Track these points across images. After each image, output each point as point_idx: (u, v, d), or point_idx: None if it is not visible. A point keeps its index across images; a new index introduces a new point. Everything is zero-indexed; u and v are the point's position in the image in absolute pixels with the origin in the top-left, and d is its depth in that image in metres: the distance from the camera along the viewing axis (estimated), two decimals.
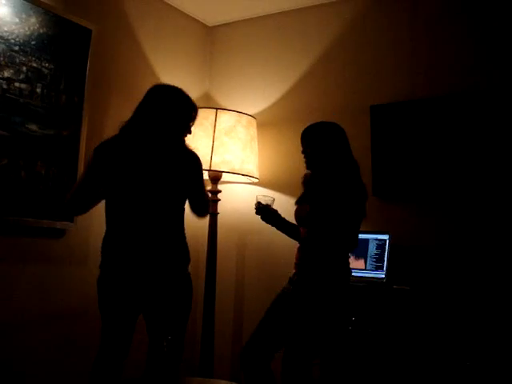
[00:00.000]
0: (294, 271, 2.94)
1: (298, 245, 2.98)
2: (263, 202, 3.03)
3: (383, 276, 3.32)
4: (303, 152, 2.96)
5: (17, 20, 3.07)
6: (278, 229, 3.09)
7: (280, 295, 2.97)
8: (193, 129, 3.68)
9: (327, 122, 2.98)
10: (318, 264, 2.81)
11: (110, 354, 2.53)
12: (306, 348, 2.78)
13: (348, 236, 2.81)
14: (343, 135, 2.94)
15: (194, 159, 2.69)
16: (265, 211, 3.03)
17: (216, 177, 3.85)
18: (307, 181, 3.02)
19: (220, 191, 3.90)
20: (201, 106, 4.06)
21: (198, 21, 4.49)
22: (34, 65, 3.15)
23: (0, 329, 2.99)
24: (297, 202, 3.01)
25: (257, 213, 3.04)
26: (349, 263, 2.89)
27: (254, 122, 3.99)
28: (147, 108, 2.64)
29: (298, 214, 2.97)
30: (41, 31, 3.19)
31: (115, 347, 2.52)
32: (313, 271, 2.83)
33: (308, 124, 2.99)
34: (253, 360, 2.89)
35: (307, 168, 2.99)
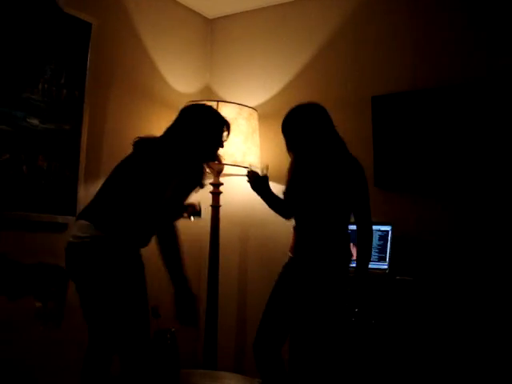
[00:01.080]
0: (289, 255, 2.96)
1: (293, 229, 2.99)
2: (255, 170, 3.04)
3: (386, 267, 3.32)
4: (287, 145, 2.99)
5: None
6: (265, 201, 3.08)
7: (277, 281, 2.97)
8: None
9: (305, 104, 2.96)
10: (312, 245, 2.85)
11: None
12: (312, 331, 2.82)
13: (338, 214, 2.85)
14: (322, 114, 2.93)
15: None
16: (256, 180, 3.02)
17: (218, 169, 3.85)
18: (292, 168, 3.03)
19: (222, 184, 3.90)
20: (201, 98, 4.07)
21: (198, 13, 4.48)
22: None
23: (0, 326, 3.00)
24: (284, 194, 3.03)
25: (249, 180, 3.03)
26: (348, 244, 2.88)
27: (255, 114, 3.99)
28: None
29: (294, 193, 2.98)
30: None
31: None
32: (310, 253, 2.85)
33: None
34: (265, 350, 2.89)
35: (288, 150, 3.00)
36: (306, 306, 2.84)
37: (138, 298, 2.47)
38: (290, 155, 2.99)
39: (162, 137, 2.74)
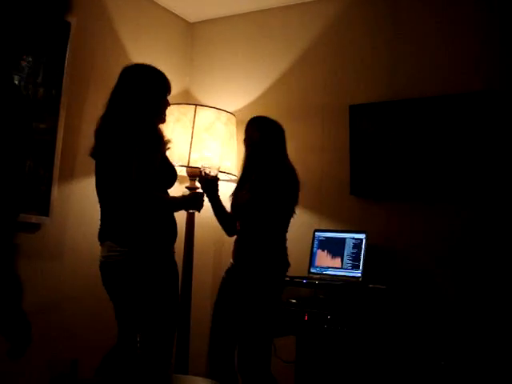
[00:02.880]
0: (230, 261, 3.05)
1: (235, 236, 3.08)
2: (208, 172, 2.96)
3: (359, 275, 3.33)
4: (246, 139, 3.06)
5: None
6: (212, 207, 3.06)
7: (219, 288, 3.07)
8: (171, 125, 3.69)
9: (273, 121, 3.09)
10: (252, 252, 2.93)
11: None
12: (253, 335, 2.86)
13: (278, 224, 2.96)
14: (283, 135, 3.06)
15: None
16: (208, 183, 2.97)
17: (194, 173, 3.83)
18: (245, 167, 3.11)
19: (198, 188, 3.88)
20: (180, 102, 4.06)
21: (179, 16, 4.47)
22: None
23: None
24: (237, 189, 3.10)
25: (199, 181, 2.99)
26: (286, 254, 2.97)
27: (233, 119, 3.98)
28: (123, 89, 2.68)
29: (237, 200, 3.06)
30: None
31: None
32: (247, 260, 2.94)
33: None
34: (217, 356, 2.97)
35: (247, 155, 3.08)
36: (242, 312, 2.90)
37: (166, 299, 2.58)
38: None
39: (104, 113, 2.66)
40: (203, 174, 2.95)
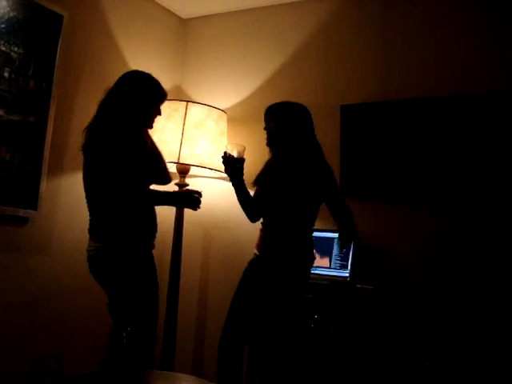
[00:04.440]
0: (255, 252, 2.97)
1: (261, 227, 2.99)
2: (231, 152, 2.88)
3: (347, 275, 3.34)
4: (266, 128, 2.97)
5: None
6: (236, 191, 2.99)
7: (241, 278, 2.98)
8: (162, 121, 3.68)
9: (294, 102, 3.01)
10: (279, 245, 2.85)
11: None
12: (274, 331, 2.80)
13: (306, 216, 2.88)
14: (308, 116, 2.96)
15: None
16: (231, 163, 2.90)
17: (184, 170, 3.83)
18: (267, 162, 3.04)
19: (188, 185, 3.87)
20: (171, 98, 4.04)
21: (172, 12, 4.46)
22: (3, 48, 3.08)
23: None
24: (254, 183, 3.04)
25: (223, 162, 2.91)
26: (312, 247, 2.90)
27: (224, 116, 3.98)
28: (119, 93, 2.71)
29: (262, 191, 3.01)
30: (11, 14, 3.13)
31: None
32: (274, 252, 2.86)
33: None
34: (229, 348, 2.89)
35: (268, 145, 2.99)
36: (264, 306, 2.84)
37: (142, 295, 2.64)
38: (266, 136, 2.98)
39: (97, 113, 2.71)
40: (227, 154, 2.87)
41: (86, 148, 2.67)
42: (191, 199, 2.72)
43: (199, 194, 2.73)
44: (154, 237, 2.78)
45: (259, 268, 2.90)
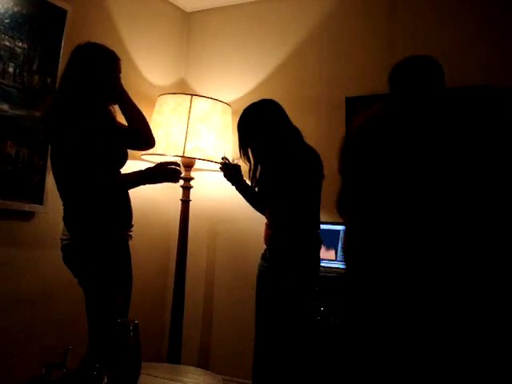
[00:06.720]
0: (265, 247, 2.99)
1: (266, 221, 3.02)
2: (229, 158, 3.05)
3: None
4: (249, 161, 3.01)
5: None
6: (240, 193, 3.09)
7: (258, 276, 3.00)
8: (167, 114, 3.68)
9: (251, 106, 2.98)
10: (287, 238, 2.87)
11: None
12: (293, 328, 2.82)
13: (308, 209, 2.89)
14: (272, 111, 2.95)
15: None
16: (229, 169, 3.02)
17: (189, 163, 3.83)
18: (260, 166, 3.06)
19: (193, 178, 3.88)
20: (176, 91, 4.05)
21: (175, 6, 4.45)
22: (7, 43, 3.09)
23: None
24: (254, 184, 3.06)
25: (221, 169, 3.05)
26: (318, 237, 2.92)
27: (229, 109, 3.98)
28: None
29: (260, 188, 3.04)
30: (15, 9, 3.13)
31: None
32: (283, 245, 2.88)
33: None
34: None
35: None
36: (274, 302, 2.87)
37: (115, 280, 2.51)
38: (240, 153, 2.98)
39: (56, 95, 2.57)
40: (225, 159, 3.02)
41: (48, 139, 2.58)
42: (168, 172, 2.54)
43: (175, 163, 2.55)
44: (130, 226, 2.61)
45: (271, 264, 2.94)
